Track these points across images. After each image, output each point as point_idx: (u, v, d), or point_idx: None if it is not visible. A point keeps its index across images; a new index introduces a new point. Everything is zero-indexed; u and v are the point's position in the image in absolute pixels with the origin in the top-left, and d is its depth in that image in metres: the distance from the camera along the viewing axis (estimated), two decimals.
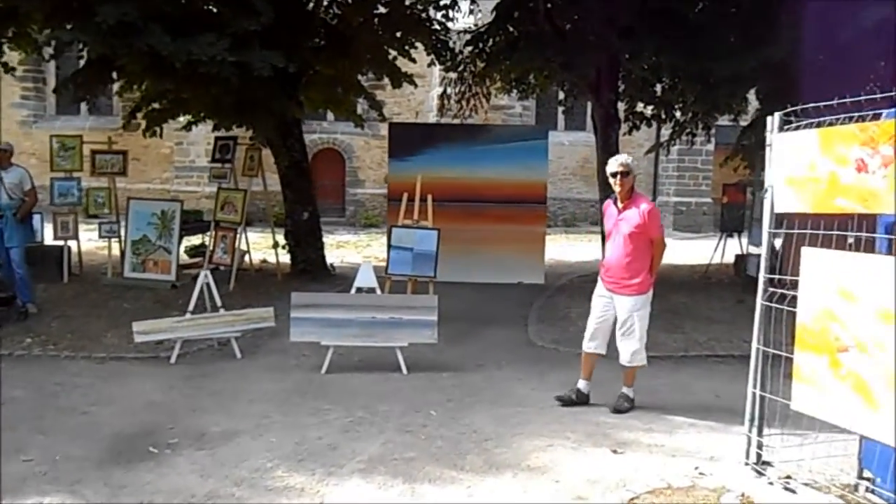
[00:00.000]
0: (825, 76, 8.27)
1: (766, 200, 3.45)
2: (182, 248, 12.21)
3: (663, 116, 11.94)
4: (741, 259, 11.30)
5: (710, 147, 20.75)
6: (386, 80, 20.91)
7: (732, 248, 11.91)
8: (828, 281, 3.01)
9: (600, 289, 5.34)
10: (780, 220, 3.48)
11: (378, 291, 6.25)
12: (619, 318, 5.22)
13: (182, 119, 10.80)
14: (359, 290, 6.25)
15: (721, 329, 7.94)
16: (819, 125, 3.20)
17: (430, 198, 7.68)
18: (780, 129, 3.39)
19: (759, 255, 10.25)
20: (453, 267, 10.21)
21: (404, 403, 5.23)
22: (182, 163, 21.22)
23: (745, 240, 11.45)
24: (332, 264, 11.11)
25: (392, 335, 6.08)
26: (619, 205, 5.17)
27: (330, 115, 20.12)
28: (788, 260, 3.35)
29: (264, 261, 12.00)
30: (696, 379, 6.25)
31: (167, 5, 7.87)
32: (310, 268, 10.41)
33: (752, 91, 12.47)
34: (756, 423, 3.52)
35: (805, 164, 3.14)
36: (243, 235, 10.34)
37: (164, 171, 21.64)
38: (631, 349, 5.24)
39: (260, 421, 4.91)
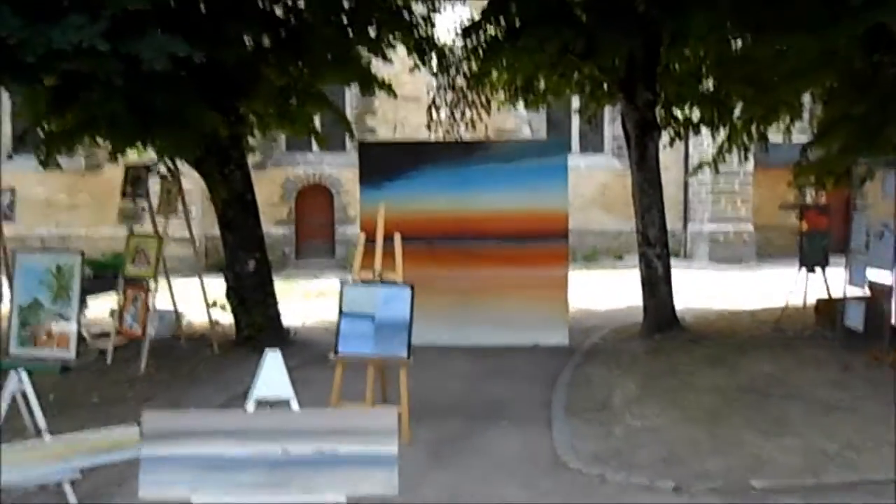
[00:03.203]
0: None
1: None
2: (108, 311, 9.75)
3: (716, 121, 9.34)
4: (828, 304, 8.60)
5: (749, 167, 18.20)
6: (377, 104, 19.16)
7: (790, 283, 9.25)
8: None
9: None
10: None
11: (294, 404, 3.64)
12: None
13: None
14: (260, 403, 3.65)
15: (851, 423, 5.25)
16: None
17: (397, 238, 5.13)
18: None
19: (863, 300, 7.64)
20: (444, 326, 7.73)
21: None
22: None
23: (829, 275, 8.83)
24: (290, 328, 8.52)
25: (318, 483, 3.44)
26: None
27: (315, 146, 17.80)
28: None
29: (216, 322, 9.36)
30: None
31: None
32: (257, 334, 7.84)
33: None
34: None
35: None
36: (168, 293, 7.85)
37: None
38: None
39: None
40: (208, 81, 6.72)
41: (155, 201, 7.53)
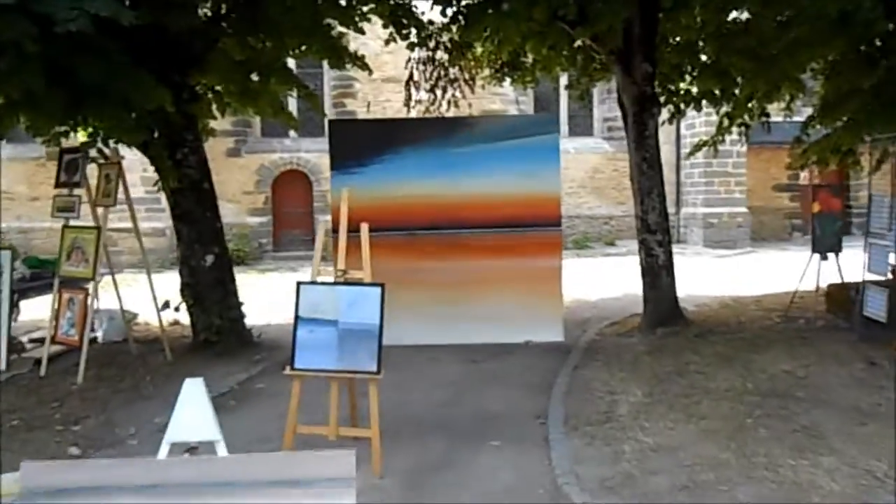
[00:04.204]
0: None
1: None
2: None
3: (719, 95, 8.55)
4: (841, 291, 7.90)
5: (742, 148, 17.48)
6: (357, 86, 18.25)
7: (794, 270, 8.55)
8: None
9: None
10: None
11: (221, 449, 2.84)
12: None
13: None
14: (176, 448, 2.85)
15: (893, 434, 4.52)
16: None
17: (364, 229, 4.33)
18: None
19: (887, 288, 6.80)
20: (427, 324, 6.99)
21: None
22: None
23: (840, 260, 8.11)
24: (252, 329, 7.68)
25: None
26: None
27: (293, 132, 16.83)
28: None
29: (175, 322, 8.50)
30: None
31: None
32: (215, 337, 7.02)
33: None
34: None
35: None
36: (115, 291, 7.00)
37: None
38: None
39: None
40: (151, 51, 5.86)
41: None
